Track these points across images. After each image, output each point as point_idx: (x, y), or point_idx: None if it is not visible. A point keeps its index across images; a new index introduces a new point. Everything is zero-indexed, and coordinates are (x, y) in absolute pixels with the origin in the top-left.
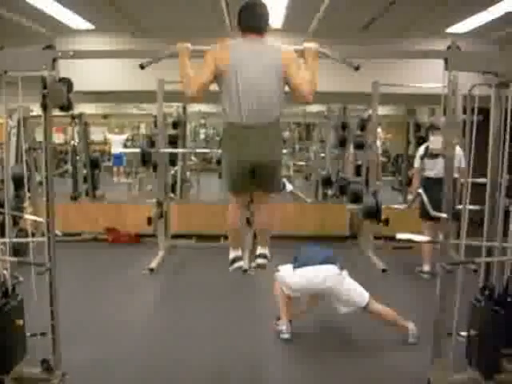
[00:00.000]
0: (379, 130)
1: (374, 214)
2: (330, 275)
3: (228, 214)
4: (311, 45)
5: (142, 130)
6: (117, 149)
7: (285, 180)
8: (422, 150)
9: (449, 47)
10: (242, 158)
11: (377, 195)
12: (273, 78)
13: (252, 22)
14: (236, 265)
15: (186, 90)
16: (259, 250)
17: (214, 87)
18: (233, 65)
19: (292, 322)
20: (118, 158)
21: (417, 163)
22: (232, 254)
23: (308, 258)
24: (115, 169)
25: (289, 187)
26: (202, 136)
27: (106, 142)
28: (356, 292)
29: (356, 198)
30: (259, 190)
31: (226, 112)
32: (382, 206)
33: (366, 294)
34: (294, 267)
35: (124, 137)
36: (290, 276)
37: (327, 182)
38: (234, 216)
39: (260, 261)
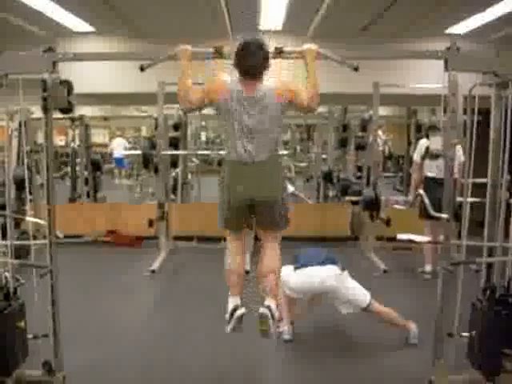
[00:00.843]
0: (379, 131)
1: (373, 205)
2: (331, 275)
3: (227, 256)
4: (311, 46)
5: (143, 133)
6: (119, 149)
7: (286, 181)
8: (422, 146)
9: (448, 48)
10: (239, 194)
11: (376, 187)
12: (268, 119)
13: (248, 67)
14: (236, 315)
15: (180, 101)
16: (265, 301)
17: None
18: (229, 107)
19: (293, 323)
20: (120, 160)
21: (417, 158)
22: (231, 303)
23: (309, 259)
24: (116, 171)
25: (290, 189)
26: (203, 138)
27: (106, 145)
28: (357, 292)
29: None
30: (261, 227)
31: (225, 149)
32: (383, 200)
33: (368, 295)
34: (295, 268)
35: (124, 141)
36: (291, 276)
37: (328, 177)
38: (234, 258)
39: (262, 310)
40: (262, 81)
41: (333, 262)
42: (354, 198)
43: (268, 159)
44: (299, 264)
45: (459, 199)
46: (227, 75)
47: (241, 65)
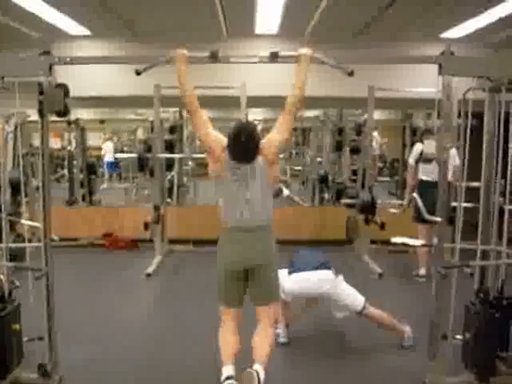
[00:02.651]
0: (375, 134)
1: (369, 208)
2: (325, 280)
3: (220, 335)
4: (305, 50)
5: (139, 135)
6: (110, 155)
7: (281, 185)
8: (416, 150)
9: (443, 53)
10: (234, 260)
11: (372, 191)
12: (261, 190)
13: (240, 155)
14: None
15: (183, 100)
16: (254, 366)
17: (214, 92)
18: (224, 176)
19: (289, 326)
20: (111, 164)
21: (411, 164)
22: (225, 372)
23: (303, 263)
24: (107, 176)
25: (285, 192)
26: (199, 141)
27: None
28: (351, 297)
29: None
30: (255, 298)
31: (222, 213)
32: (379, 203)
33: (362, 299)
34: (290, 272)
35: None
36: (286, 281)
37: (324, 181)
38: (228, 334)
39: (250, 370)
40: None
41: (327, 267)
42: (349, 201)
43: (263, 227)
44: (294, 268)
45: (454, 204)
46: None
47: (233, 151)
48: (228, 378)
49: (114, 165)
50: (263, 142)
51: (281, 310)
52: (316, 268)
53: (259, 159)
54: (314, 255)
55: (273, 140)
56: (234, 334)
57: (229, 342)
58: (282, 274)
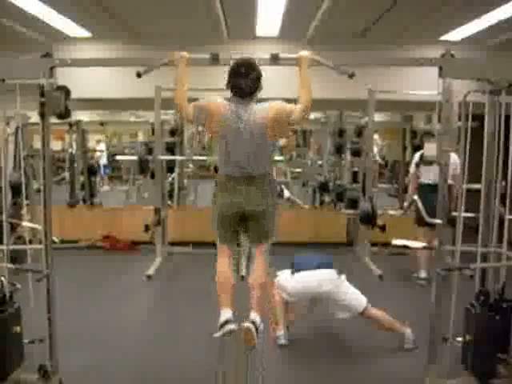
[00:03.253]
0: (376, 136)
1: (369, 218)
2: (328, 279)
3: (217, 266)
4: (305, 53)
5: (140, 138)
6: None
7: (283, 186)
8: (417, 156)
9: (443, 55)
10: (231, 207)
11: (372, 201)
12: (261, 139)
13: (240, 87)
14: (226, 329)
15: (178, 110)
16: (250, 315)
17: (209, 94)
18: (222, 127)
19: (289, 328)
20: (104, 167)
21: (412, 169)
22: (223, 316)
23: (306, 263)
24: (99, 178)
25: (286, 194)
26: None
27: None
28: (353, 297)
29: (353, 205)
30: (251, 239)
31: (219, 164)
32: (379, 212)
33: (364, 299)
34: (292, 272)
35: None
36: (288, 281)
37: (324, 187)
38: (224, 267)
39: (247, 324)
40: (255, 101)
41: (329, 267)
42: (349, 211)
43: (260, 175)
44: (296, 268)
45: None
46: (220, 98)
47: (234, 85)
48: (227, 321)
49: (107, 167)
50: (274, 103)
51: (282, 311)
52: (318, 267)
53: (261, 113)
54: (317, 255)
55: (282, 105)
56: (231, 269)
57: (226, 276)
58: (285, 274)
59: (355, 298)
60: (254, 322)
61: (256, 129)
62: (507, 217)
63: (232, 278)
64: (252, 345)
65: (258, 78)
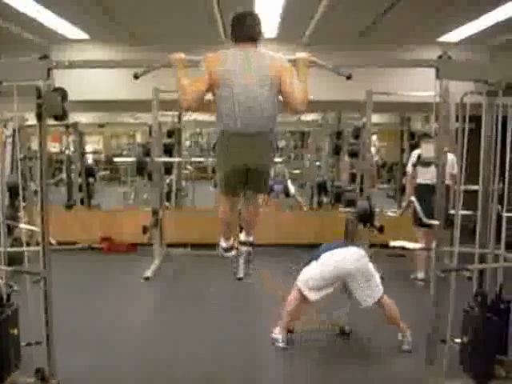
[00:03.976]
0: (374, 138)
1: (367, 217)
2: (354, 255)
3: (220, 210)
4: (303, 54)
5: (138, 139)
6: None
7: (289, 183)
8: (414, 156)
9: (440, 56)
10: (235, 163)
11: (370, 200)
12: (266, 88)
13: (244, 31)
14: (228, 254)
15: (181, 100)
16: (243, 238)
17: (208, 96)
18: (225, 74)
19: (291, 332)
20: None
21: (409, 169)
22: (224, 244)
23: (330, 246)
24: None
25: (292, 191)
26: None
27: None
28: (375, 279)
29: (350, 205)
30: (250, 190)
31: (220, 119)
32: (377, 212)
33: (382, 287)
34: (316, 257)
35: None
36: (312, 268)
37: (323, 188)
38: (225, 209)
39: (245, 248)
40: (258, 46)
41: (356, 246)
42: (347, 210)
43: (263, 134)
44: (320, 252)
45: (452, 212)
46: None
47: (236, 30)
48: (228, 249)
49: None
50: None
51: (288, 315)
52: (345, 246)
53: (265, 61)
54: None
55: (289, 73)
56: (234, 213)
57: (228, 216)
58: (308, 268)
59: (376, 281)
60: (249, 243)
61: (262, 69)
62: (504, 216)
63: (234, 219)
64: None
65: (259, 23)
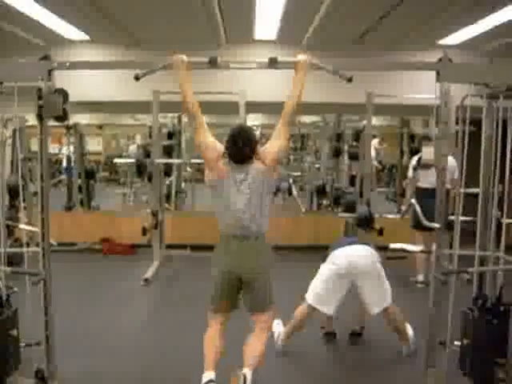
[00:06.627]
0: (375, 141)
1: (367, 222)
2: (369, 253)
3: (206, 339)
4: (304, 57)
5: (138, 141)
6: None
7: (291, 182)
8: (415, 160)
9: (440, 59)
10: (227, 268)
11: (370, 204)
12: (258, 198)
13: (236, 155)
14: None
15: (182, 102)
16: (243, 370)
17: (213, 97)
18: (219, 184)
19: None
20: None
21: (410, 173)
22: (205, 378)
23: (344, 242)
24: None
25: (294, 191)
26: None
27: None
28: (386, 281)
29: (350, 208)
30: (249, 309)
31: (218, 222)
32: (376, 216)
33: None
34: (333, 249)
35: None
36: (328, 263)
37: (322, 191)
38: (210, 333)
39: (239, 373)
40: (252, 163)
41: (369, 245)
42: (346, 215)
43: (258, 236)
44: (335, 246)
45: (451, 218)
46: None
47: (230, 153)
48: (210, 381)
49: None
50: (263, 149)
51: (291, 328)
52: (360, 244)
53: (258, 166)
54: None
55: (272, 147)
56: (220, 339)
57: (214, 346)
58: (313, 283)
59: (387, 284)
60: (245, 377)
61: (256, 183)
62: (505, 221)
63: (222, 349)
64: None
65: (254, 147)
